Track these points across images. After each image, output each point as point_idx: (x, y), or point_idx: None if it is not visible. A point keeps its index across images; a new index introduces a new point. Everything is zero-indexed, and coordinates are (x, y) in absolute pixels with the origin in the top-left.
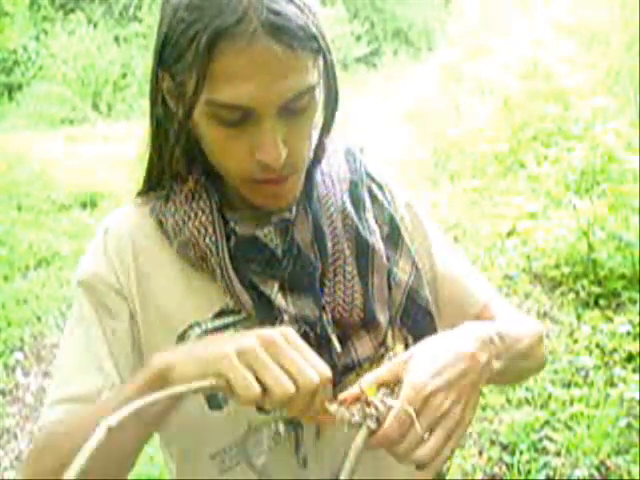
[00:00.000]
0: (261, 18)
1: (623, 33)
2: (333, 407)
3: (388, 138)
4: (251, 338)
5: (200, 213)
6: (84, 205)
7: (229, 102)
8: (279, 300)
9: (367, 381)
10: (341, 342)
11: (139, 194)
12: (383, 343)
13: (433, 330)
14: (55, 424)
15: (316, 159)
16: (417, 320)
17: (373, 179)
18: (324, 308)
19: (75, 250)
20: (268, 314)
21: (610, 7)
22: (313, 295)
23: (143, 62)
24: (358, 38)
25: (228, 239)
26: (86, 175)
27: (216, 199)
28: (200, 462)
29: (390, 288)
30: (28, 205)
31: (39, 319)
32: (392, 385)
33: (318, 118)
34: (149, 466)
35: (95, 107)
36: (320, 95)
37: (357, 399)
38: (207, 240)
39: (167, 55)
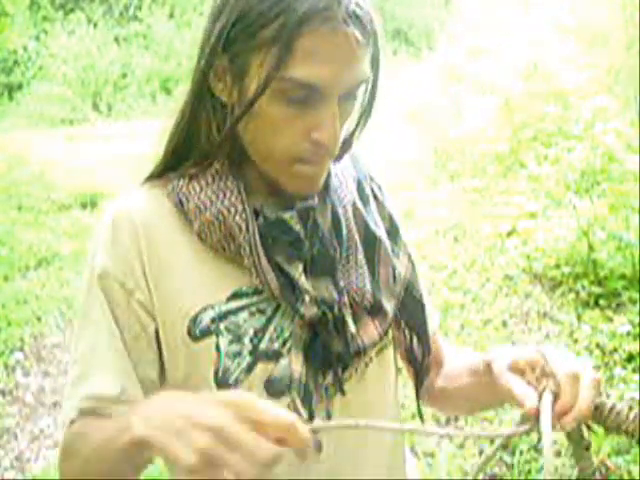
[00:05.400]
0: (348, 7)
1: (623, 33)
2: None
3: (388, 138)
4: (222, 419)
5: (229, 193)
6: (84, 205)
7: (304, 80)
8: (302, 281)
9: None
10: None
11: (150, 177)
12: (387, 332)
13: (424, 322)
14: (81, 430)
15: (342, 155)
16: (413, 312)
17: (373, 179)
18: (341, 291)
19: (75, 250)
20: (290, 294)
21: (610, 7)
22: (331, 278)
23: (143, 62)
24: None
25: (257, 219)
26: (86, 175)
27: (242, 183)
28: None
29: (395, 280)
30: (28, 205)
31: (39, 319)
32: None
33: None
34: (149, 466)
35: (95, 107)
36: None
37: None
38: (237, 218)
39: (237, 32)
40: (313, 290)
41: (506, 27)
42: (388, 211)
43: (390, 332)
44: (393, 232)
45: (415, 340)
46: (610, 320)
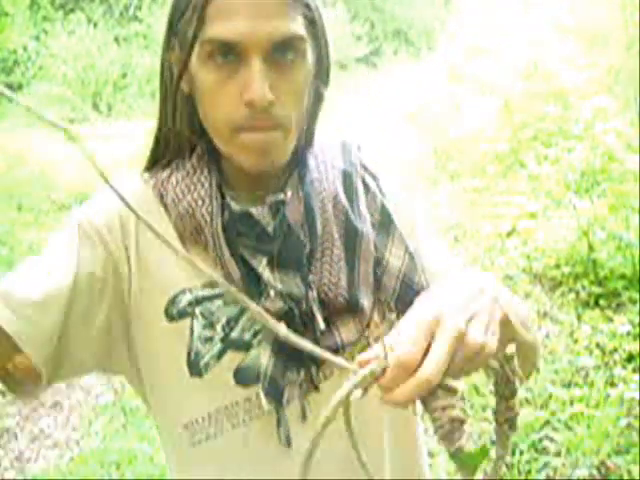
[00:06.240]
0: None
1: (623, 33)
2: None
3: (388, 138)
4: None
5: (200, 186)
6: None
7: (222, 37)
8: (266, 275)
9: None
10: (326, 324)
11: (146, 170)
12: (367, 329)
13: None
14: None
15: (307, 141)
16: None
17: (366, 169)
18: (310, 286)
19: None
20: (255, 287)
21: (610, 7)
22: (300, 273)
23: (143, 62)
24: (358, 38)
25: (223, 213)
26: (86, 175)
27: (216, 176)
28: (174, 432)
29: (377, 275)
30: (28, 205)
31: None
32: None
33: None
34: (149, 466)
35: (95, 107)
36: (311, 64)
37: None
38: (203, 211)
39: (175, 16)
40: (280, 284)
41: (506, 27)
42: (380, 201)
43: (375, 329)
44: (385, 222)
45: None
46: (610, 320)
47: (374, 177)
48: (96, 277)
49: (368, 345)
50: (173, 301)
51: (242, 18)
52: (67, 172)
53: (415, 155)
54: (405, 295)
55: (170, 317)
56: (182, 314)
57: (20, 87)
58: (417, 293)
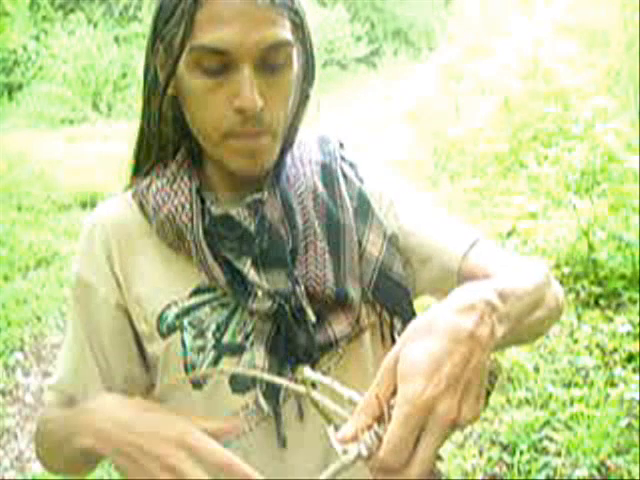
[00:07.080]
0: None
1: (623, 33)
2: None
3: (388, 138)
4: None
5: (180, 193)
6: (84, 205)
7: (212, 45)
8: (252, 275)
9: (361, 409)
10: (318, 319)
11: (132, 175)
12: (357, 321)
13: (408, 303)
14: (46, 415)
15: (288, 141)
16: (390, 294)
17: (344, 159)
18: (297, 282)
19: (75, 250)
20: (242, 289)
21: (610, 7)
22: (285, 269)
23: (143, 62)
24: (358, 39)
25: (204, 218)
26: (86, 175)
27: (196, 181)
28: None
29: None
30: (28, 205)
31: (39, 319)
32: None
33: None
34: None
35: (95, 107)
36: (298, 67)
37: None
38: (184, 217)
39: (161, 20)
40: (267, 283)
41: (506, 27)
42: (357, 188)
43: (365, 319)
44: (363, 209)
45: (399, 325)
46: (610, 320)
47: (352, 165)
48: (116, 330)
49: (357, 336)
50: (161, 318)
51: (232, 26)
52: (67, 172)
53: (415, 155)
54: (382, 283)
55: (161, 334)
56: (171, 329)
57: (20, 87)
58: (394, 281)
